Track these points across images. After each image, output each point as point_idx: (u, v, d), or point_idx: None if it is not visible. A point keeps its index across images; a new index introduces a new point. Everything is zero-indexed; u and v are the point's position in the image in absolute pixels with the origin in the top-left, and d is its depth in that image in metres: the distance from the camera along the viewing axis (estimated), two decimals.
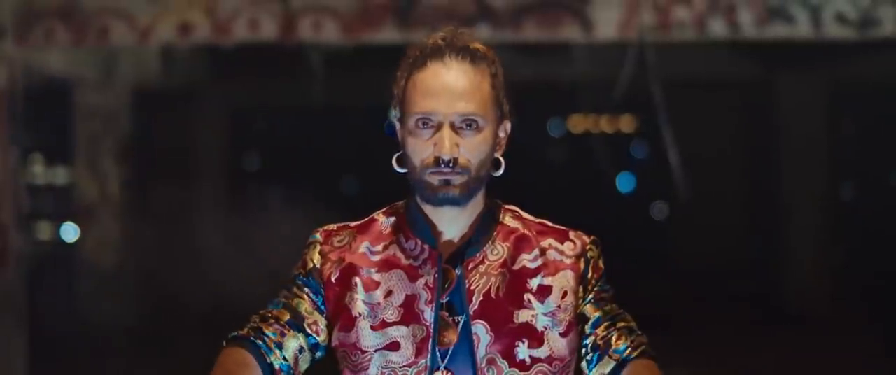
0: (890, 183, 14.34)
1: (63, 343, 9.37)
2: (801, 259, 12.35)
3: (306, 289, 2.35)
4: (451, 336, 2.27)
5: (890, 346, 9.57)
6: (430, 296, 2.28)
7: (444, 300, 2.29)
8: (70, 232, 11.55)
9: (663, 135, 7.25)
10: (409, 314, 2.28)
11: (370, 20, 6.67)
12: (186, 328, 8.76)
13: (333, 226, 2.41)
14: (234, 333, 2.32)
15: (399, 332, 2.27)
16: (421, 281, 2.29)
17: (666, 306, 10.52)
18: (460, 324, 2.27)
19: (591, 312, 2.34)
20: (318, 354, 2.34)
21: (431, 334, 2.27)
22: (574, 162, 15.14)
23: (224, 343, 2.31)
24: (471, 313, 2.28)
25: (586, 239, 2.39)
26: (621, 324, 2.34)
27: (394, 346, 2.27)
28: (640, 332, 2.35)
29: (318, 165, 12.17)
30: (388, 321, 2.28)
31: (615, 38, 6.65)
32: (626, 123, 15.82)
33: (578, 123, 15.75)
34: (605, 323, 2.33)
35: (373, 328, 2.28)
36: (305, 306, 2.33)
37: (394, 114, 2.34)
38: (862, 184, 14.41)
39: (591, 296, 2.35)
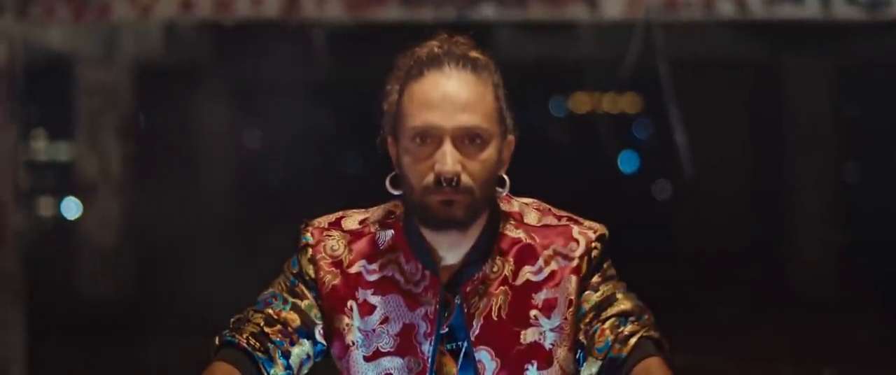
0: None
1: (61, 319, 9.34)
2: (806, 240, 12.31)
3: (310, 293, 2.18)
4: (451, 369, 2.13)
5: (895, 327, 9.53)
6: (429, 328, 2.13)
7: (444, 331, 2.13)
8: (72, 208, 11.54)
9: (669, 116, 7.19)
10: (405, 345, 2.13)
11: None
12: (184, 306, 8.71)
13: (324, 222, 2.23)
14: (230, 336, 2.14)
15: (393, 364, 2.14)
16: (420, 311, 2.13)
17: (668, 287, 10.47)
18: (462, 352, 2.13)
19: (582, 303, 2.14)
20: (319, 359, 2.20)
21: (428, 368, 2.12)
22: (577, 141, 15.10)
23: (216, 342, 2.14)
24: (472, 339, 2.12)
25: (592, 235, 2.18)
26: (608, 313, 2.12)
27: None
28: (635, 316, 2.12)
29: (321, 142, 12.11)
30: (383, 350, 2.14)
31: (621, 18, 6.56)
32: (630, 103, 15.77)
33: (582, 102, 15.70)
34: (591, 315, 2.13)
35: (366, 358, 2.14)
36: (314, 310, 2.17)
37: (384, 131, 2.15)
38: (868, 165, 14.37)
39: (586, 288, 2.16)
